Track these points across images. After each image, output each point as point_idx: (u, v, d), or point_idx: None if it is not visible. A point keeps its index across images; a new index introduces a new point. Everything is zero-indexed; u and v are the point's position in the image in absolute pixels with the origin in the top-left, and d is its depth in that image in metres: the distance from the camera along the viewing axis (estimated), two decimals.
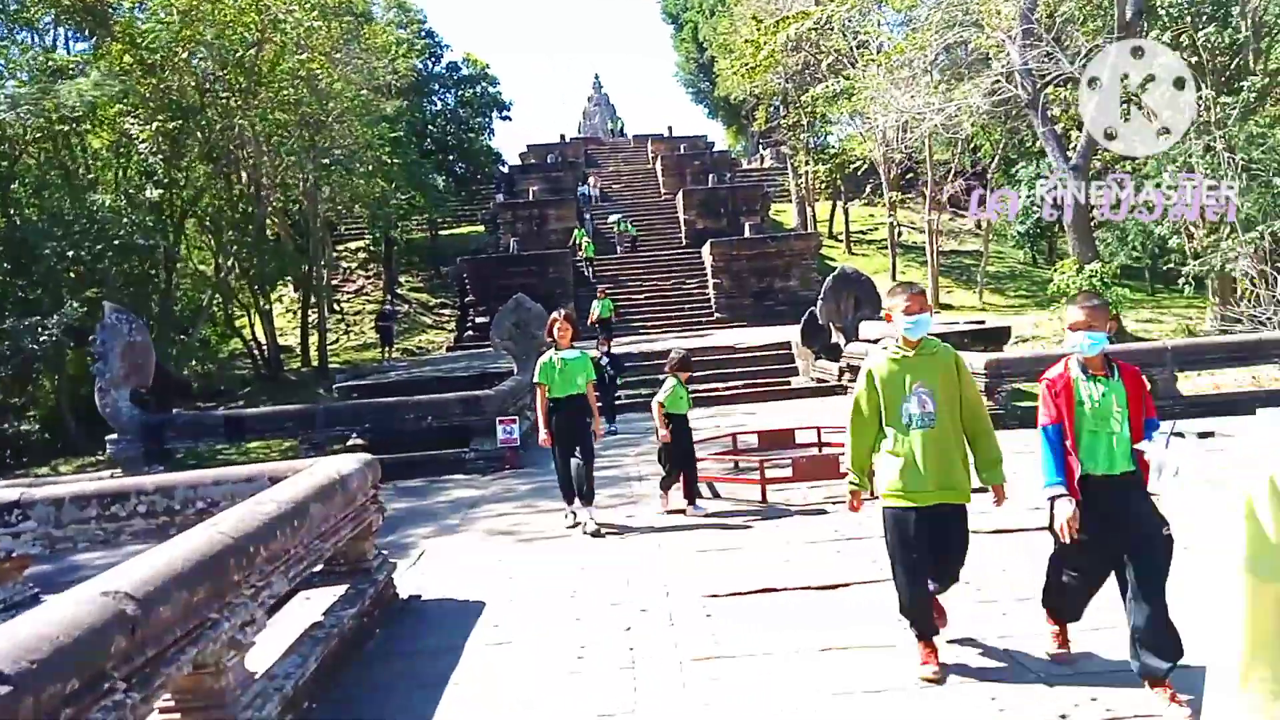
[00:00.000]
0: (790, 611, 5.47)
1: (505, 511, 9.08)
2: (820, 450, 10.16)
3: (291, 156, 25.42)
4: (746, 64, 41.23)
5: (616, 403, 15.88)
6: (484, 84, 43.32)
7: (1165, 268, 36.02)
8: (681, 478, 8.53)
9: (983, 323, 24.81)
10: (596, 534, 7.73)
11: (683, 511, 8.26)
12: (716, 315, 32.20)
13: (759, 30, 39.74)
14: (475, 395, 12.00)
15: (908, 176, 43.15)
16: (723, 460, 10.04)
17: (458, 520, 8.83)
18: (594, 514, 7.97)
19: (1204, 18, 26.17)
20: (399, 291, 40.69)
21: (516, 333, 17.42)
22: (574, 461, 8.00)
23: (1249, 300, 26.95)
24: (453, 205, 47.20)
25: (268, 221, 33.53)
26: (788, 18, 38.62)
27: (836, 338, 17.92)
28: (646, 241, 38.23)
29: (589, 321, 24.74)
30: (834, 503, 8.09)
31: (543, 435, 8.25)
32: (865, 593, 5.65)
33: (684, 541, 7.28)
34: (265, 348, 31.86)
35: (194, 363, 31.23)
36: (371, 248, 42.91)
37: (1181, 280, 26.73)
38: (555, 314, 8.44)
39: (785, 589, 5.83)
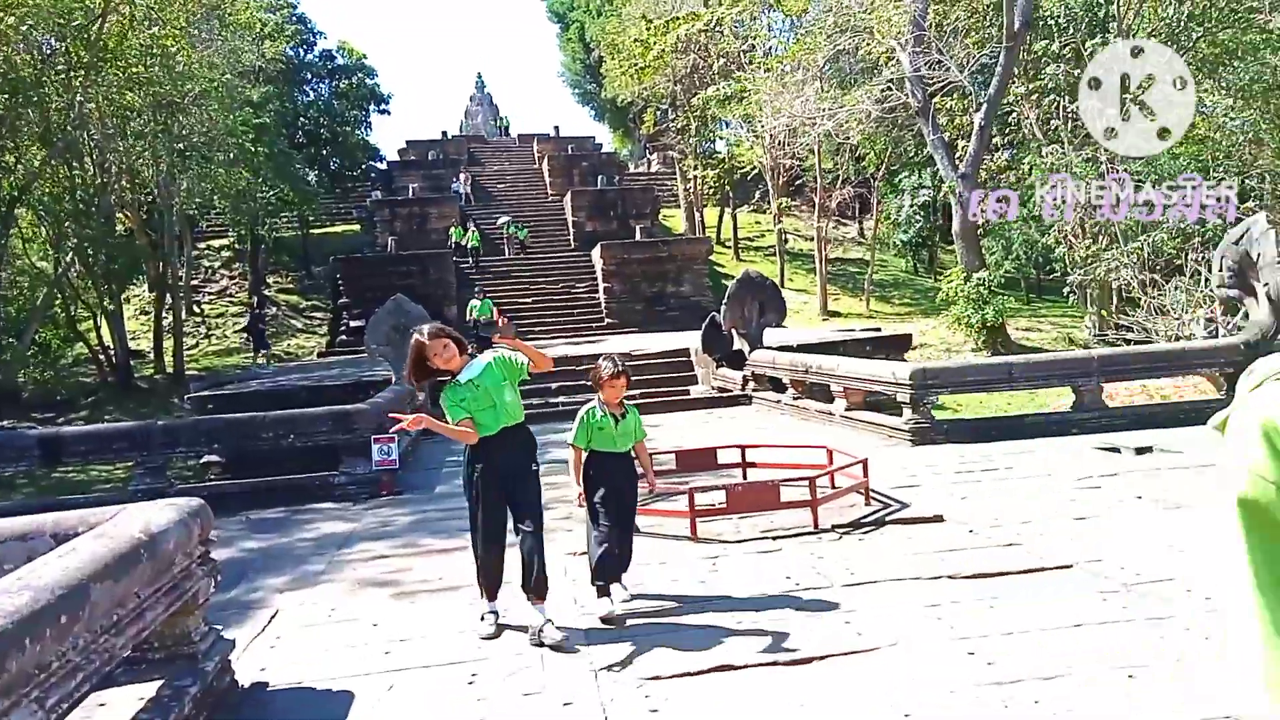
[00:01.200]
0: (755, 698, 4.21)
1: (382, 552, 7.54)
2: (745, 474, 8.98)
3: (143, 141, 22.88)
4: (635, 64, 40.30)
5: None
6: (361, 75, 40.98)
7: (1044, 278, 36.78)
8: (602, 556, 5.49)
9: (879, 330, 24.37)
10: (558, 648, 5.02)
11: (611, 622, 5.40)
12: (607, 320, 30.98)
13: (648, 30, 38.84)
14: (346, 410, 10.36)
15: (796, 184, 42.93)
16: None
17: (323, 565, 7.24)
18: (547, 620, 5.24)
19: (1087, 29, 26.51)
20: (267, 293, 37.92)
21: (396, 337, 15.70)
22: (522, 530, 5.29)
23: (1132, 309, 27.46)
24: (326, 202, 44.54)
25: (118, 214, 30.55)
26: (677, 18, 37.83)
27: (740, 345, 16.90)
28: (534, 243, 36.69)
29: (467, 319, 23.62)
30: (774, 537, 6.91)
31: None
32: (847, 669, 4.44)
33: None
34: (114, 353, 28.94)
35: (29, 369, 28.08)
36: (236, 246, 39.98)
37: (1067, 290, 26.98)
38: (417, 333, 5.19)
39: (745, 666, 4.57)
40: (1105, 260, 24.40)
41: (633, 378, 17.12)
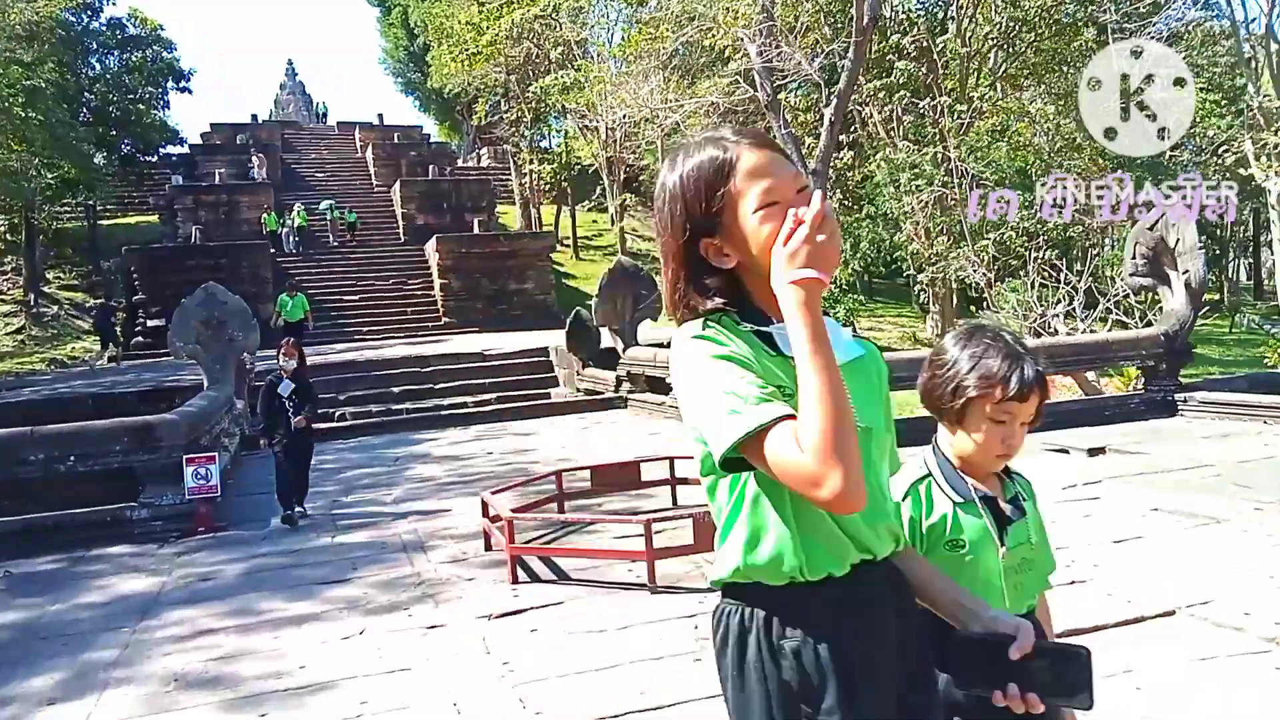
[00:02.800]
0: None
1: (206, 624, 5.32)
2: (675, 493, 7.28)
3: None
4: (466, 50, 37.94)
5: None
6: (157, 47, 36.53)
7: (873, 279, 37.10)
8: None
9: None
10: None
11: None
12: (445, 319, 28.59)
13: (481, 14, 36.60)
14: (148, 421, 7.89)
15: (637, 181, 41.76)
16: (547, 513, 6.86)
17: (115, 650, 4.97)
18: None
19: (927, 29, 26.53)
20: (45, 289, 33.07)
21: (207, 334, 13.07)
22: None
23: (977, 309, 27.71)
24: (118, 189, 39.57)
25: None
26: (512, 2, 35.80)
27: (612, 341, 15.21)
28: (360, 236, 33.65)
29: (270, 323, 19.59)
30: None
31: None
32: None
33: (558, 676, 4.08)
34: None
35: None
36: (8, 237, 34.74)
37: (918, 288, 26.89)
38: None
39: None
40: (953, 259, 24.33)
41: (487, 380, 14.88)
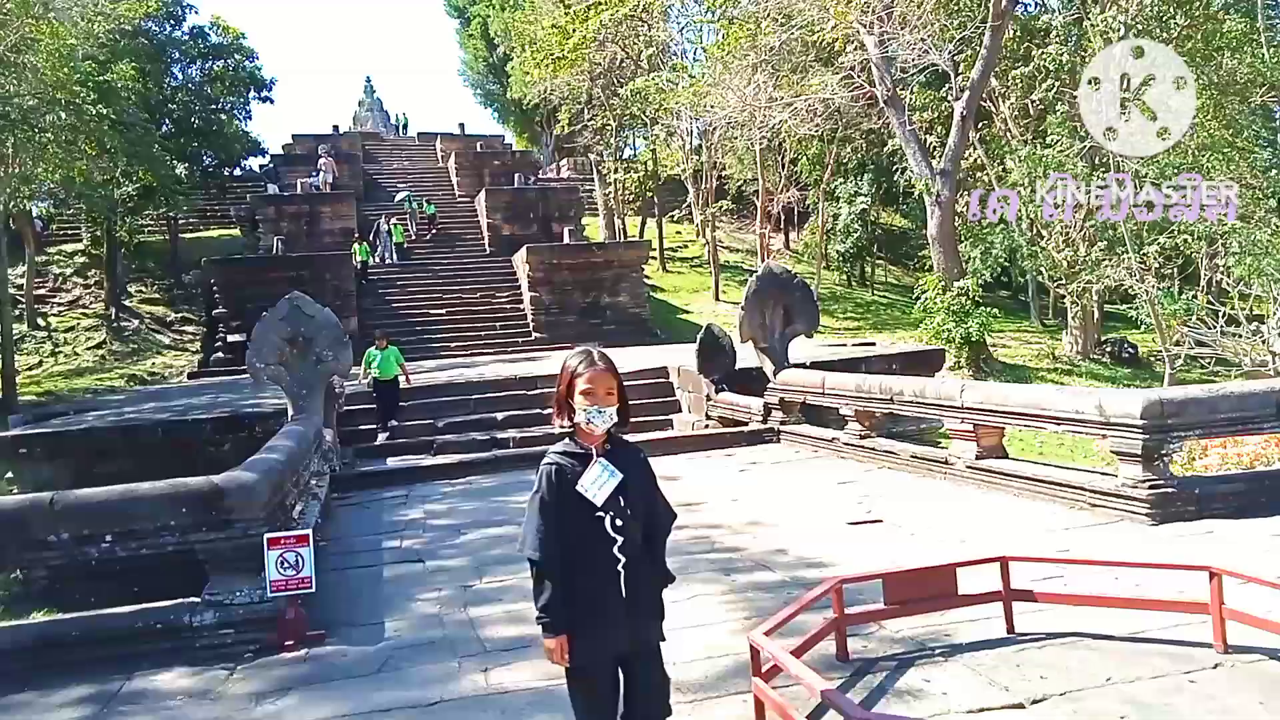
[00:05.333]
0: None
1: None
2: (1010, 615, 4.61)
3: None
4: (552, 55, 35.77)
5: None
6: (239, 56, 35.00)
7: (986, 292, 33.84)
8: None
9: (873, 344, 20.53)
10: None
11: None
12: (536, 335, 26.30)
13: (567, 15, 34.39)
14: (214, 486, 5.47)
15: (723, 191, 39.24)
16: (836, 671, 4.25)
17: None
18: None
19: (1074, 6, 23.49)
20: (127, 303, 31.64)
21: (292, 354, 10.78)
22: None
23: (1113, 325, 24.36)
24: (199, 201, 38.26)
25: None
26: (600, 2, 33.50)
27: (757, 361, 12.58)
28: (444, 248, 31.64)
29: (361, 379, 14.24)
30: None
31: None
32: None
33: None
34: None
35: None
36: (92, 250, 33.47)
37: (1067, 299, 23.72)
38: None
39: None
40: (1107, 267, 21.18)
41: None
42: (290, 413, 10.85)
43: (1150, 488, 6.65)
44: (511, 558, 7.04)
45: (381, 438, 13.72)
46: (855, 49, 25.02)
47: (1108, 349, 25.63)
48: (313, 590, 5.36)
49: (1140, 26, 23.15)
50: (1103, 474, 7.40)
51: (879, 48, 23.38)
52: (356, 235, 28.97)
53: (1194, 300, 20.04)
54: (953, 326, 22.65)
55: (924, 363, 15.58)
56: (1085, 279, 21.62)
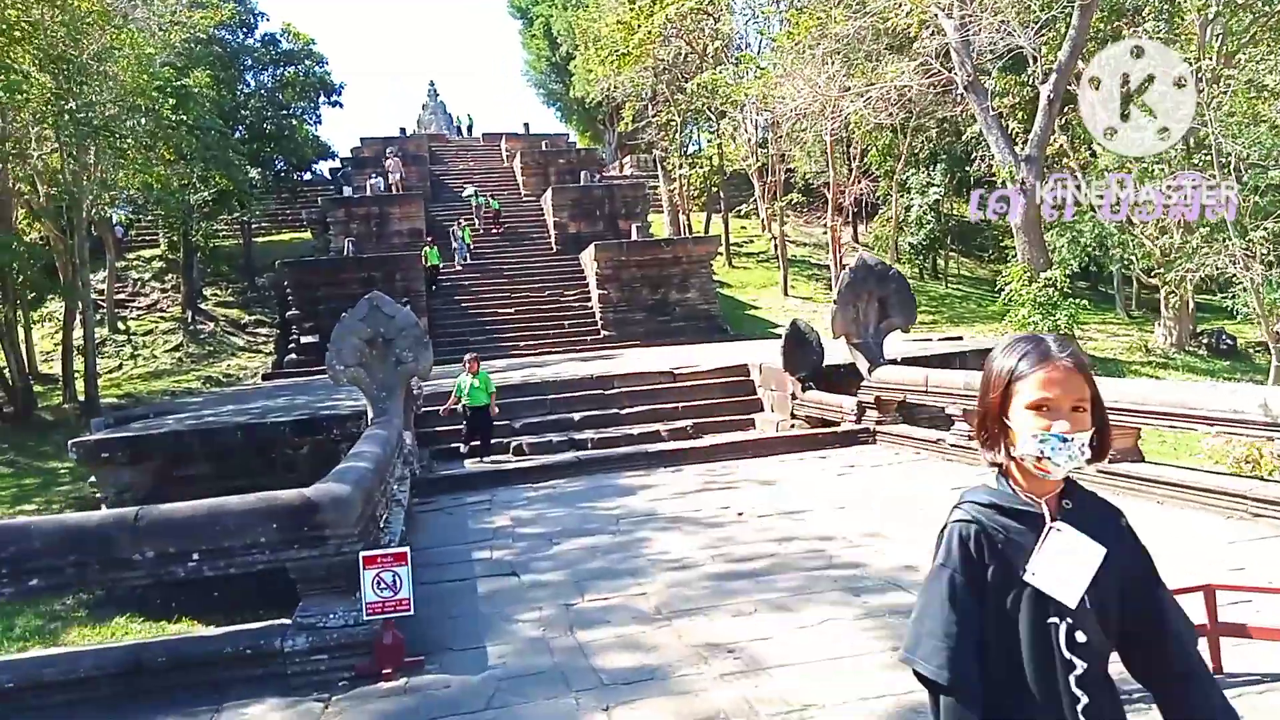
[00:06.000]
0: None
1: None
2: None
3: (28, 108, 17.11)
4: (616, 51, 35.32)
5: None
6: (309, 62, 35.23)
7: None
8: None
9: (960, 338, 19.65)
10: None
11: None
12: (604, 333, 25.86)
13: (632, 10, 33.90)
14: (306, 500, 5.04)
15: (789, 184, 38.37)
16: None
17: None
18: None
19: None
20: (203, 306, 32.06)
21: (371, 355, 10.44)
22: None
23: (1231, 315, 23.06)
24: (271, 205, 38.71)
25: (24, 217, 24.71)
26: None
27: (853, 357, 11.91)
28: (511, 247, 31.40)
29: (445, 410, 12.99)
30: None
31: None
32: None
33: None
34: (12, 377, 23.04)
35: None
36: (169, 255, 33.99)
37: (1164, 289, 22.45)
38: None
39: None
40: (1207, 254, 19.94)
41: (679, 404, 11.47)
42: (369, 415, 10.52)
43: None
44: (611, 572, 6.54)
45: (463, 449, 13.15)
46: (932, 34, 24.05)
47: (1204, 341, 24.27)
48: (411, 612, 4.90)
49: (1239, 1, 21.82)
50: (1262, 480, 6.62)
51: (959, 31, 22.39)
52: (430, 239, 28.83)
53: None
54: (1040, 319, 21.60)
55: None
56: (1184, 266, 20.39)
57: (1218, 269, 19.60)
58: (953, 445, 9.75)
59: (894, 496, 8.40)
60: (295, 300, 25.52)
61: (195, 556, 4.83)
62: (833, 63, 25.87)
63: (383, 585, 4.81)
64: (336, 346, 10.45)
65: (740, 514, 8.14)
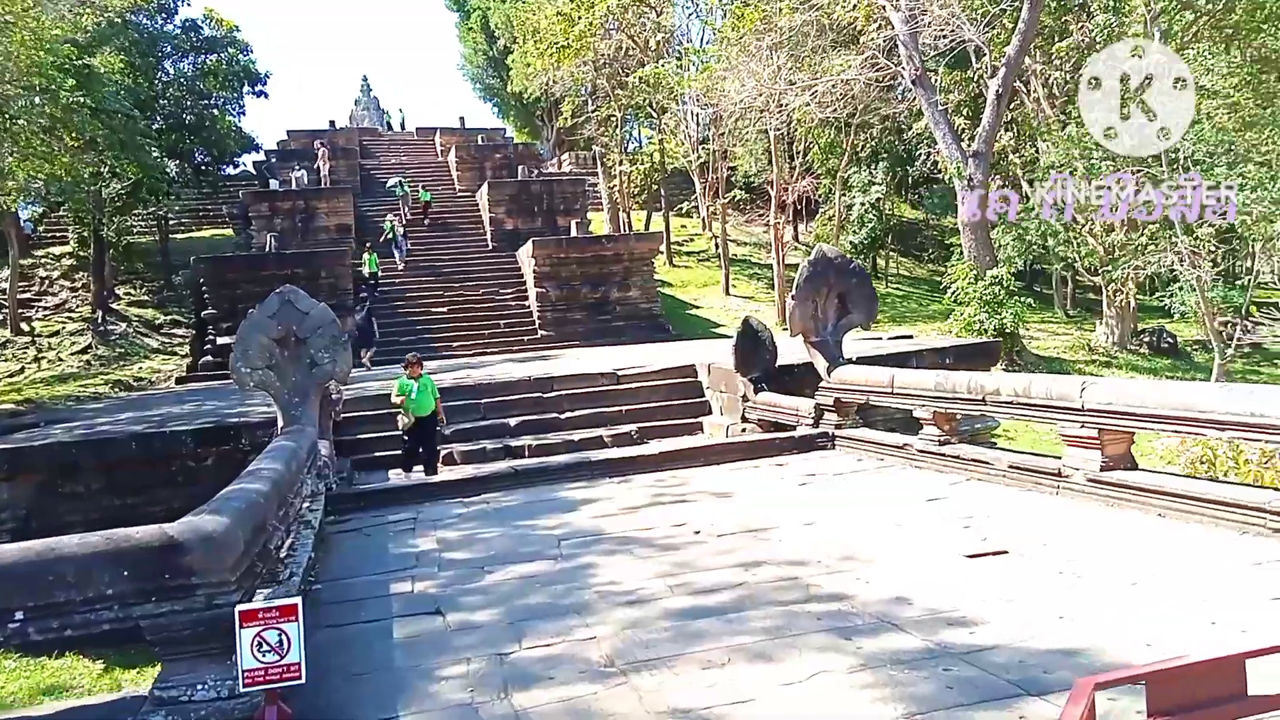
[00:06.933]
0: None
1: None
2: None
3: None
4: (556, 44, 34.25)
5: None
6: (232, 50, 33.43)
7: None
8: None
9: (910, 336, 19.09)
10: None
11: None
12: (542, 333, 24.84)
13: (572, 3, 32.88)
14: (167, 537, 3.98)
15: (730, 183, 37.74)
16: None
17: None
18: None
19: None
20: (115, 306, 30.15)
21: (283, 356, 9.30)
22: None
23: (1168, 314, 22.93)
24: (191, 201, 36.81)
25: None
26: None
27: (811, 356, 11.10)
28: (446, 244, 30.14)
29: (403, 424, 11.59)
30: None
31: None
32: None
33: None
34: None
35: None
36: (80, 252, 31.97)
37: (1110, 288, 22.19)
38: None
39: None
40: (1150, 253, 19.70)
41: (622, 408, 10.55)
42: (280, 423, 9.37)
43: None
44: (553, 609, 5.57)
45: (395, 476, 11.87)
46: (879, 27, 23.55)
47: (1145, 339, 24.19)
48: (301, 680, 3.87)
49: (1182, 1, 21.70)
50: (1277, 490, 5.94)
51: (906, 24, 21.88)
52: (368, 245, 27.14)
53: (1243, 289, 18.60)
54: (986, 318, 21.21)
55: (979, 356, 14.13)
56: (1131, 264, 20.13)
57: (1164, 267, 19.37)
58: (920, 451, 8.98)
59: (865, 510, 7.57)
60: (212, 299, 23.95)
61: (19, 616, 3.73)
62: (778, 56, 25.23)
63: (265, 647, 3.77)
64: (243, 346, 9.28)
65: (698, 532, 7.23)
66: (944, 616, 4.80)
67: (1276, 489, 6.04)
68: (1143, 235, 19.96)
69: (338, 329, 9.77)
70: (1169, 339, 24.06)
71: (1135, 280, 21.28)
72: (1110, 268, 21.13)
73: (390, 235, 27.80)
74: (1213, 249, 18.33)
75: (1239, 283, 19.89)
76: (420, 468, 11.56)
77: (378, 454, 12.80)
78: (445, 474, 11.04)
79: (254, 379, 9.24)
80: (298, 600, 3.89)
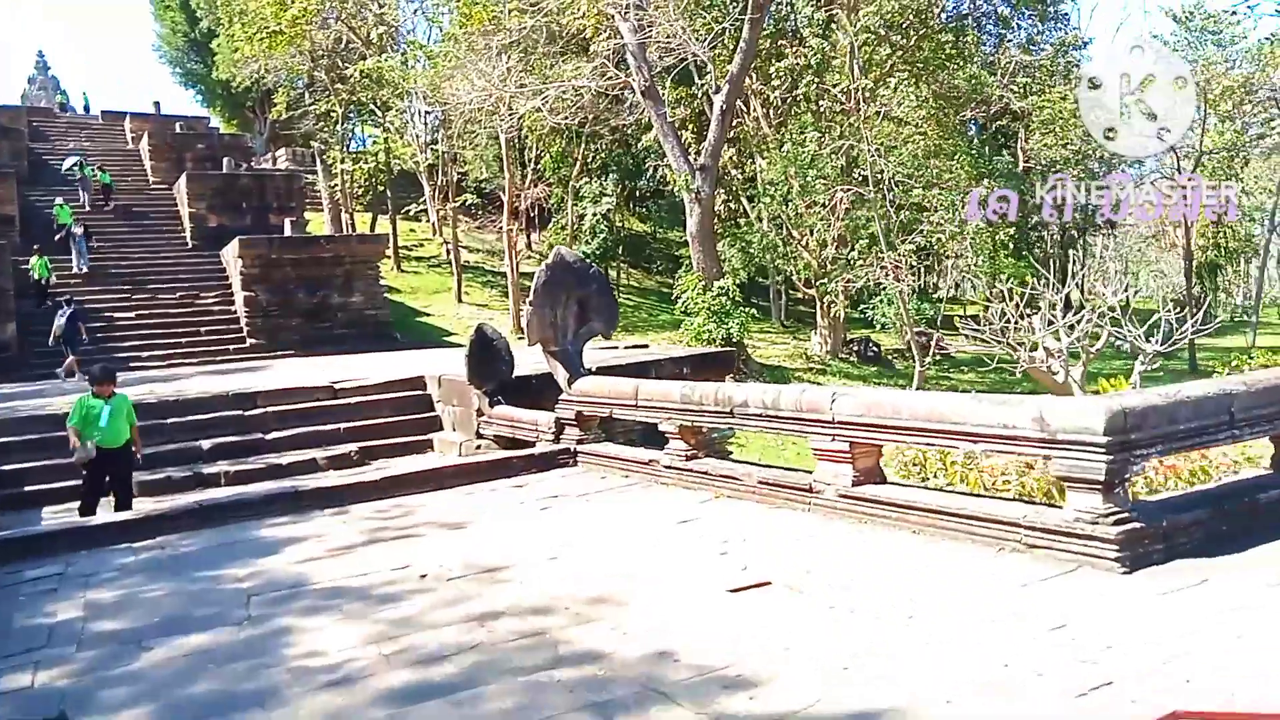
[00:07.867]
0: None
1: None
2: None
3: None
4: (267, 29, 31.31)
5: None
6: None
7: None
8: None
9: (646, 346, 18.81)
10: None
11: None
12: (251, 341, 22.26)
13: None
14: None
15: (462, 188, 36.42)
16: None
17: None
18: None
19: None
20: None
21: None
22: None
23: (871, 326, 24.42)
24: None
25: None
26: None
27: (551, 367, 10.22)
28: (136, 242, 26.37)
29: (78, 459, 9.12)
30: None
31: None
32: None
33: None
34: None
35: None
36: None
37: (825, 300, 23.24)
38: None
39: None
40: (859, 267, 20.90)
41: (342, 426, 9.28)
42: None
43: (1115, 522, 5.06)
44: (229, 702, 4.21)
45: (51, 519, 9.50)
46: (608, 37, 23.34)
47: (854, 348, 25.83)
48: None
49: (880, 33, 23.29)
50: (1029, 503, 5.81)
51: (635, 34, 21.78)
52: (36, 247, 22.77)
53: (935, 301, 20.17)
54: (714, 327, 21.54)
55: (715, 365, 13.99)
56: (842, 278, 21.24)
57: (872, 280, 20.59)
58: (667, 467, 8.37)
59: (613, 538, 6.78)
60: None
61: None
62: (508, 58, 24.33)
63: None
64: None
65: (424, 576, 6.08)
66: (718, 676, 4.02)
67: (1028, 501, 5.95)
68: (853, 250, 21.14)
69: None
70: (874, 348, 25.89)
71: (846, 293, 22.54)
72: (824, 281, 22.26)
73: (67, 233, 23.76)
74: (913, 265, 19.72)
75: (933, 296, 21.63)
76: (104, 509, 9.35)
77: (29, 488, 10.41)
78: (113, 515, 8.99)
79: None
80: None
